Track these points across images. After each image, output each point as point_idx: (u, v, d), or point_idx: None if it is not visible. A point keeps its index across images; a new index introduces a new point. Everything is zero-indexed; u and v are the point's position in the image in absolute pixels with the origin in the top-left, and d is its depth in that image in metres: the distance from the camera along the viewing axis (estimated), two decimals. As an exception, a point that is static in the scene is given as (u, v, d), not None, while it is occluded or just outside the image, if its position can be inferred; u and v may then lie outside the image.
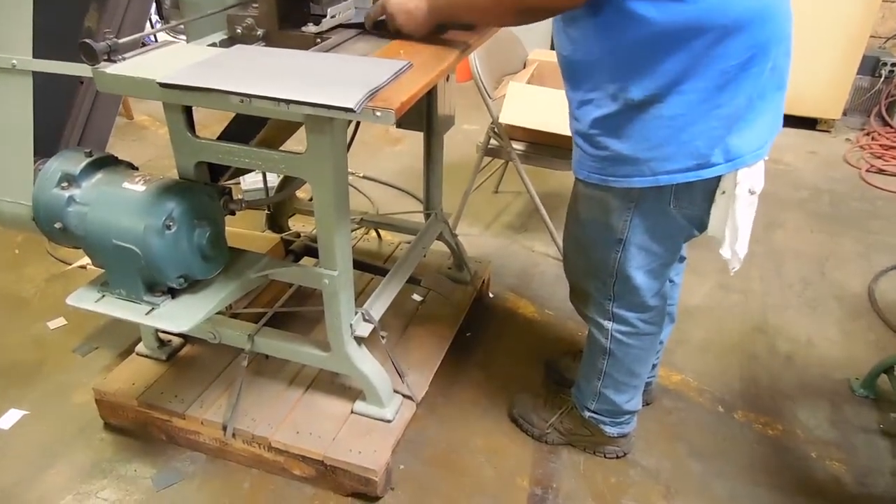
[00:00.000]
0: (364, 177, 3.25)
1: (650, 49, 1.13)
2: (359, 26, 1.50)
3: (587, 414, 1.68)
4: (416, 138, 2.04)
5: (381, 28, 1.45)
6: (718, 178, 1.25)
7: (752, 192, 1.24)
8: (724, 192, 1.26)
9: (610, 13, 1.13)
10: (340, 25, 1.49)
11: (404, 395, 1.74)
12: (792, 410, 1.94)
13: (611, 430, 1.68)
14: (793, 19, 1.22)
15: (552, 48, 3.97)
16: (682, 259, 1.71)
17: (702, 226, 1.34)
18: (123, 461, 1.73)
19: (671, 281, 1.69)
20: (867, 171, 3.43)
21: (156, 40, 1.41)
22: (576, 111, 1.31)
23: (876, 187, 3.28)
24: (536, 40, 4.04)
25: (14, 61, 1.36)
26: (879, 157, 3.57)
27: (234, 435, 1.66)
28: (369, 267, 2.11)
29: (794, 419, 1.91)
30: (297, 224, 2.49)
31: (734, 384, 2.03)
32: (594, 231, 1.41)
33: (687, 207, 1.31)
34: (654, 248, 1.39)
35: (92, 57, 1.18)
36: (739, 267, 1.34)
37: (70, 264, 2.49)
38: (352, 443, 1.61)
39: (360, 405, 1.69)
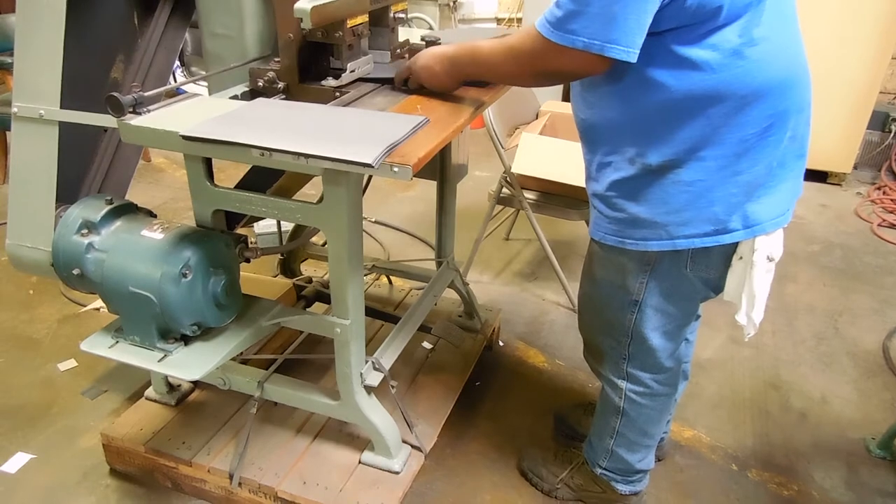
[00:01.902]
0: (376, 222, 3.28)
1: (668, 116, 1.15)
2: (376, 81, 1.53)
3: (599, 471, 1.65)
4: (428, 184, 2.07)
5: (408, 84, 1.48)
6: (736, 244, 1.25)
7: (770, 260, 1.24)
8: (741, 258, 1.26)
9: (629, 80, 1.15)
10: (359, 80, 1.53)
11: (412, 446, 1.72)
12: (807, 470, 1.90)
13: (622, 488, 1.65)
14: (811, 88, 1.22)
15: (564, 100, 4.04)
16: (696, 317, 1.71)
17: (717, 288, 1.34)
18: (127, 508, 1.72)
19: (686, 340, 1.69)
20: (879, 225, 3.43)
21: (178, 91, 1.44)
22: (594, 173, 1.32)
23: (888, 242, 3.28)
24: (549, 92, 4.11)
25: (42, 111, 1.40)
26: (891, 212, 3.57)
27: (240, 484, 1.64)
28: (380, 314, 2.11)
29: (809, 479, 1.87)
30: (309, 268, 2.50)
31: (747, 441, 2.00)
32: (609, 291, 1.41)
33: (703, 271, 1.31)
34: (670, 310, 1.39)
35: (118, 109, 1.21)
36: (755, 333, 1.33)
37: (84, 306, 2.51)
38: (359, 494, 1.59)
39: (367, 455, 1.68)
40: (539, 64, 1.16)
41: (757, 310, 1.28)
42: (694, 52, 1.09)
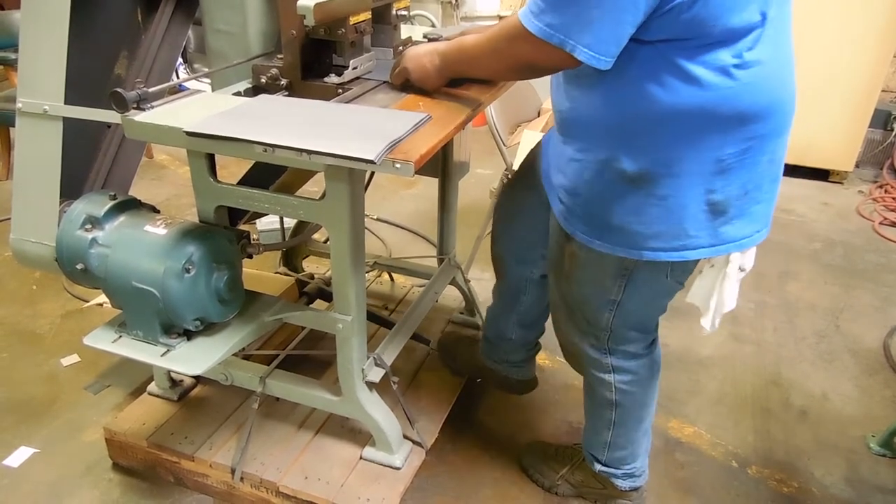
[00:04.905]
0: (378, 219, 3.28)
1: (648, 126, 1.13)
2: (376, 80, 1.54)
3: (598, 467, 1.66)
4: (430, 181, 2.07)
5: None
6: None
7: (741, 270, 1.24)
8: (712, 266, 1.27)
9: (615, 83, 1.14)
10: (361, 77, 1.53)
11: (414, 442, 1.73)
12: (807, 467, 1.90)
13: (622, 484, 1.66)
14: (795, 110, 1.21)
15: (566, 96, 4.04)
16: None
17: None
18: (130, 503, 1.72)
19: None
20: (881, 223, 3.43)
21: (181, 88, 1.45)
22: (563, 166, 1.31)
23: (890, 240, 3.28)
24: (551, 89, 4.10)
25: (46, 107, 1.40)
26: (893, 210, 3.57)
27: (242, 479, 1.65)
28: (377, 319, 2.10)
29: (809, 476, 1.87)
30: (311, 265, 2.51)
31: (748, 438, 2.00)
32: (587, 290, 1.40)
33: (681, 276, 1.33)
34: (648, 309, 1.41)
35: (122, 105, 1.22)
36: (710, 332, 1.35)
37: (87, 301, 2.52)
38: (360, 490, 1.60)
39: (369, 451, 1.68)
40: (515, 53, 1.16)
41: (721, 314, 1.29)
42: (685, 67, 1.08)
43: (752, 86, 1.09)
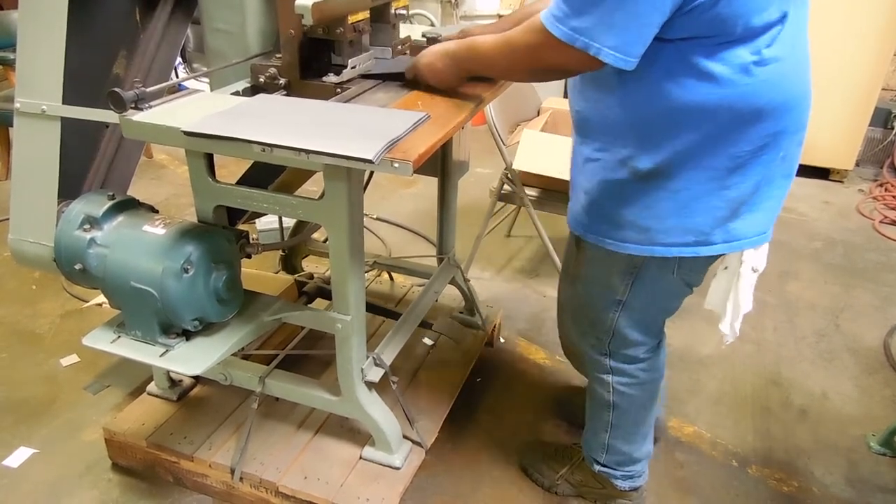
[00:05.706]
0: (378, 218, 3.28)
1: (667, 123, 1.14)
2: (378, 77, 1.53)
3: (597, 468, 1.66)
4: (430, 180, 2.07)
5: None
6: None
7: (754, 271, 1.25)
8: (726, 268, 1.27)
9: (634, 83, 1.14)
10: (360, 76, 1.53)
11: (413, 441, 1.73)
12: (807, 467, 1.90)
13: (622, 484, 1.66)
14: (811, 108, 1.21)
15: (565, 97, 4.04)
16: None
17: (695, 285, 1.36)
18: (130, 503, 1.72)
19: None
20: (881, 222, 3.42)
21: (180, 87, 1.44)
22: (581, 165, 1.31)
23: (890, 239, 3.27)
24: (550, 89, 4.11)
25: (44, 107, 1.40)
26: (893, 209, 3.57)
27: (241, 479, 1.65)
28: (381, 310, 2.11)
29: (809, 476, 1.87)
30: (311, 265, 2.51)
31: (748, 437, 2.00)
32: (594, 290, 1.41)
33: (689, 275, 1.32)
34: (654, 309, 1.41)
35: (120, 105, 1.21)
36: (733, 340, 1.35)
37: (86, 302, 2.52)
38: (360, 490, 1.60)
39: (368, 451, 1.68)
40: (536, 57, 1.15)
41: (740, 319, 1.29)
42: (705, 64, 1.08)
43: (769, 83, 1.10)
